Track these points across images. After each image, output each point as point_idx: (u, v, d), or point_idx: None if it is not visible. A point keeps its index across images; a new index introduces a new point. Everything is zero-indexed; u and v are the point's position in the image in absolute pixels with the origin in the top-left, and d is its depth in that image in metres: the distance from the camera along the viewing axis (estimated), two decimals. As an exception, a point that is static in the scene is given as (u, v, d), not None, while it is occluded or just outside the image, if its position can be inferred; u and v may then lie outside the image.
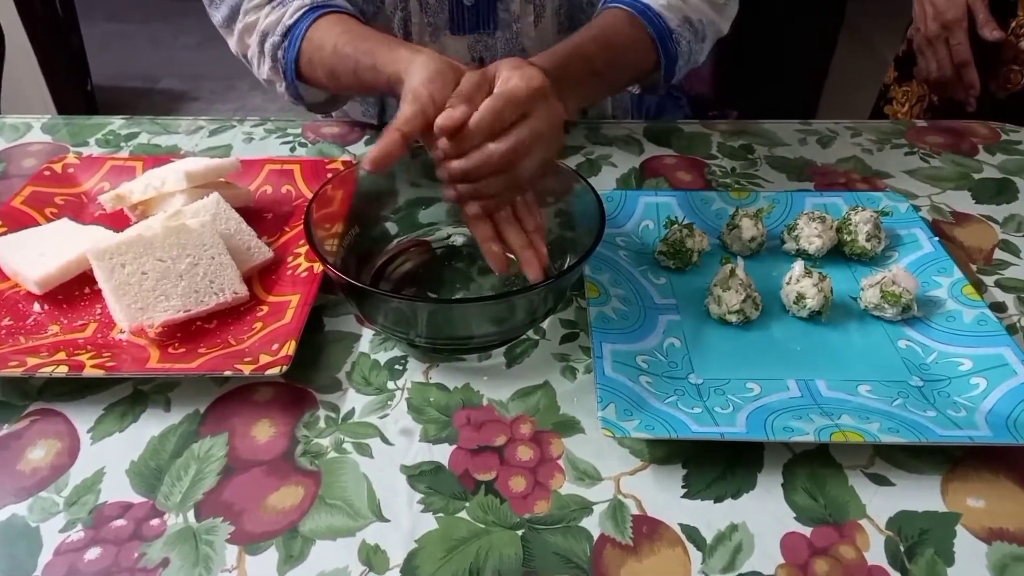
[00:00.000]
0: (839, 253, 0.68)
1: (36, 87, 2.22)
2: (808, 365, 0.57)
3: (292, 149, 0.86)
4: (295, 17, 0.70)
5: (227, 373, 0.53)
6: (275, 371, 0.53)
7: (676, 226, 0.66)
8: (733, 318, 0.59)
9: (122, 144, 0.87)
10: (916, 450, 0.51)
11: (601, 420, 0.49)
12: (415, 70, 0.56)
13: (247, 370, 0.53)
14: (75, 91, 2.38)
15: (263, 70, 0.76)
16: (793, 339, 0.59)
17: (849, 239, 0.66)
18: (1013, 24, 0.95)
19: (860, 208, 0.68)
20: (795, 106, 2.17)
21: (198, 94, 3.00)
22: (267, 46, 0.72)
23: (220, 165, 0.70)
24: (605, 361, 0.55)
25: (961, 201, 0.78)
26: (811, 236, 0.66)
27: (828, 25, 2.17)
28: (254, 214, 0.71)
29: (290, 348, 0.54)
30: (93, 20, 3.06)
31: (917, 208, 0.74)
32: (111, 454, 0.51)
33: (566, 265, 0.62)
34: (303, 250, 0.66)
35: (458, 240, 0.70)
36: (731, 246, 0.68)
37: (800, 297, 0.60)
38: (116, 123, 0.92)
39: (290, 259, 0.66)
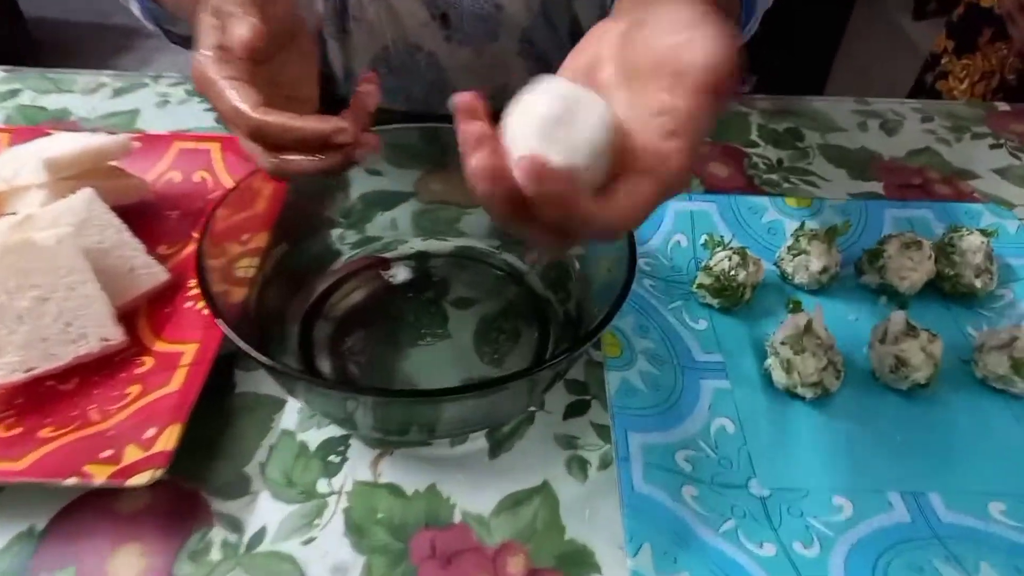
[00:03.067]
0: (931, 287, 0.51)
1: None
2: (916, 468, 0.41)
3: (218, 119, 0.67)
4: None
5: (70, 481, 0.35)
6: (142, 479, 0.35)
7: (723, 251, 0.49)
8: (808, 393, 0.43)
9: (-3, 104, 0.68)
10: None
11: (632, 574, 0.33)
12: None
13: (101, 477, 0.35)
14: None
15: None
16: (890, 423, 0.43)
17: (953, 273, 0.50)
18: None
19: (966, 230, 0.51)
20: (807, 72, 2.00)
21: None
22: None
23: (102, 147, 0.51)
24: (634, 465, 0.38)
25: (1072, 214, 0.62)
26: (903, 268, 0.49)
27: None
28: (150, 215, 0.53)
29: (170, 439, 0.37)
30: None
31: (1024, 224, 0.57)
32: None
33: (574, 310, 0.45)
34: (212, 270, 0.47)
35: (421, 262, 0.52)
36: (793, 277, 0.51)
37: (901, 364, 0.43)
38: (-7, 75, 0.71)
39: (193, 282, 0.48)
